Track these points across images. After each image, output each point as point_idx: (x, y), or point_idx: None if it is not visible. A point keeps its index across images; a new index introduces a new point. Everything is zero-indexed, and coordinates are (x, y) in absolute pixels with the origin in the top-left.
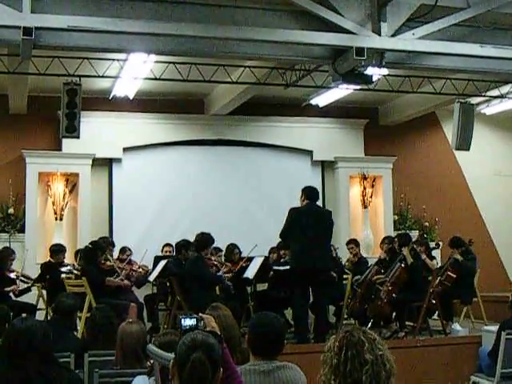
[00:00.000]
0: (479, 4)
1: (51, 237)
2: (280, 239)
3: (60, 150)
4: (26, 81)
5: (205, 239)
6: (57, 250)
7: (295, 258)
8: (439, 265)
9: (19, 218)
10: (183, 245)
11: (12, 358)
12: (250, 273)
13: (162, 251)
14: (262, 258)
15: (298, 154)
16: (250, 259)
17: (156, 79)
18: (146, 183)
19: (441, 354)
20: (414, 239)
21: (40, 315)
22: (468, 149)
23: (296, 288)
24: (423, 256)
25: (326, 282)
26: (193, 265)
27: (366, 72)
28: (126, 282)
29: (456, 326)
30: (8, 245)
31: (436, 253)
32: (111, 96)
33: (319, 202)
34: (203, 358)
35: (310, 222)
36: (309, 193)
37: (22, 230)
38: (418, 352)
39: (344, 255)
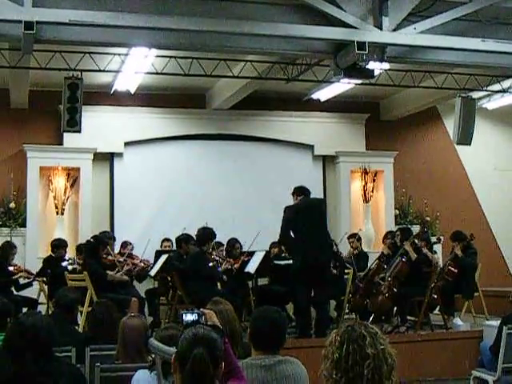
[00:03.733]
0: None
1: (52, 231)
2: (280, 241)
3: (61, 144)
4: (28, 75)
5: (206, 234)
6: (58, 245)
7: (298, 258)
8: (441, 259)
9: (20, 213)
10: (183, 239)
11: (15, 352)
12: (251, 267)
13: (161, 246)
14: (263, 253)
15: (300, 149)
16: (251, 254)
17: (157, 73)
18: (147, 178)
19: (442, 349)
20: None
21: (41, 309)
22: (469, 143)
23: (298, 283)
24: (424, 250)
25: (327, 277)
26: (193, 259)
27: (367, 66)
28: (125, 277)
29: (457, 321)
30: (9, 239)
31: (437, 247)
32: (112, 90)
33: (320, 197)
34: (205, 354)
35: (305, 217)
36: (300, 189)
37: (23, 225)
38: (420, 347)
39: (344, 249)
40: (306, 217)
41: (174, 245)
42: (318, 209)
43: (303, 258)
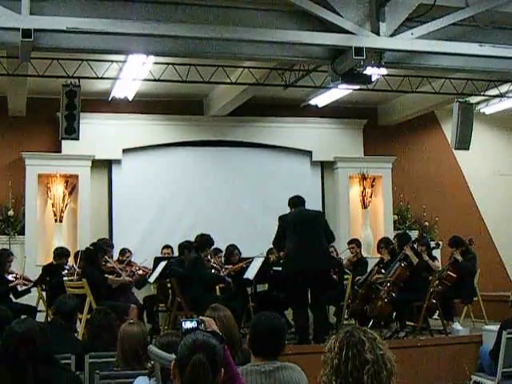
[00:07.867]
0: (477, 3)
1: (51, 239)
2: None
3: (59, 151)
4: (25, 83)
5: (204, 240)
6: (61, 253)
7: (289, 261)
8: (440, 264)
9: (19, 220)
10: (185, 246)
11: (10, 360)
12: (250, 273)
13: (161, 253)
14: (262, 259)
15: (298, 155)
16: (249, 260)
17: (155, 80)
18: (145, 184)
19: (441, 354)
20: (413, 238)
21: (40, 317)
22: (467, 148)
23: (293, 291)
24: (426, 257)
25: (324, 282)
26: (192, 266)
27: (364, 72)
28: (127, 278)
29: (456, 326)
30: (8, 247)
31: (436, 252)
32: (110, 97)
33: (319, 203)
34: (204, 360)
35: (301, 225)
36: (294, 200)
37: (21, 232)
38: (419, 352)
39: (344, 254)
40: (300, 225)
41: (175, 252)
42: (313, 221)
43: (294, 265)
